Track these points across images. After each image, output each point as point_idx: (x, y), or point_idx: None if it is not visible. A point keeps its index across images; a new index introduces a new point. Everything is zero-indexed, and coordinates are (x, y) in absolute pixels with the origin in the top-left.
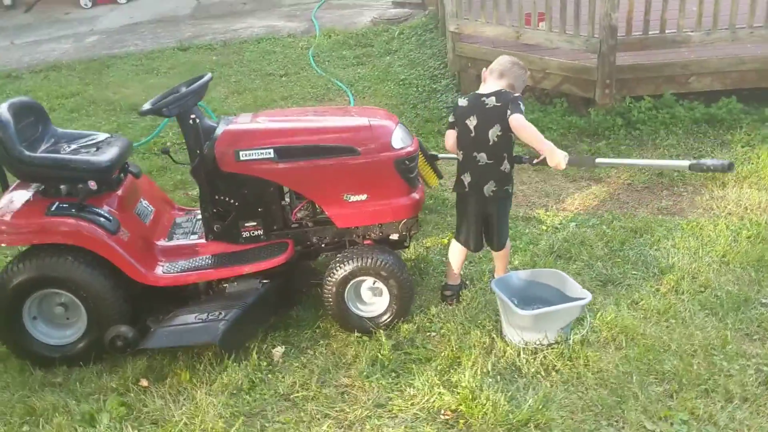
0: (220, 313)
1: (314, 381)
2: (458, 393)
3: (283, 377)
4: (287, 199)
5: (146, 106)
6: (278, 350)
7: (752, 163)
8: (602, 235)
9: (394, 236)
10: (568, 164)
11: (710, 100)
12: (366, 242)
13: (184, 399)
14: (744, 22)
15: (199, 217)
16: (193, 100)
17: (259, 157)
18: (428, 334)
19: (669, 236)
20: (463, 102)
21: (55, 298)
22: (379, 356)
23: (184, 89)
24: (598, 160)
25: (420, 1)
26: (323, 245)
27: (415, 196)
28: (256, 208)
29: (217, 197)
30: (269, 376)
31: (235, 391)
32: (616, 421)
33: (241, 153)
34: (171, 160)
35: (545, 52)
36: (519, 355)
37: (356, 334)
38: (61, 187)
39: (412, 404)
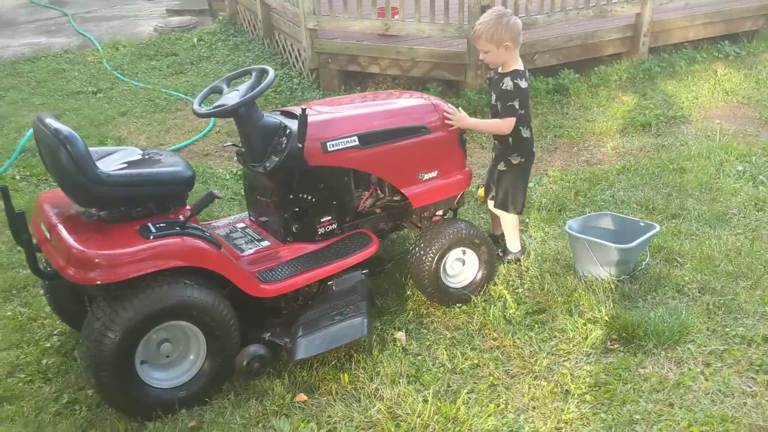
0: (351, 308)
1: (467, 349)
2: (608, 323)
3: (432, 356)
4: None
5: (202, 108)
6: (401, 335)
7: (611, 117)
8: (571, 187)
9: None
10: None
11: (548, 74)
12: (434, 219)
13: (364, 397)
14: (571, 4)
15: (242, 225)
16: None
17: (346, 146)
18: (516, 290)
19: (619, 179)
20: (525, 82)
21: (156, 335)
22: (506, 314)
23: (226, 86)
24: None
25: (200, 8)
26: (388, 230)
27: (468, 168)
28: (331, 201)
29: (294, 196)
30: (419, 358)
31: (404, 377)
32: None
33: (328, 144)
34: (241, 162)
35: (413, 42)
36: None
37: (455, 305)
38: (138, 208)
39: (574, 345)
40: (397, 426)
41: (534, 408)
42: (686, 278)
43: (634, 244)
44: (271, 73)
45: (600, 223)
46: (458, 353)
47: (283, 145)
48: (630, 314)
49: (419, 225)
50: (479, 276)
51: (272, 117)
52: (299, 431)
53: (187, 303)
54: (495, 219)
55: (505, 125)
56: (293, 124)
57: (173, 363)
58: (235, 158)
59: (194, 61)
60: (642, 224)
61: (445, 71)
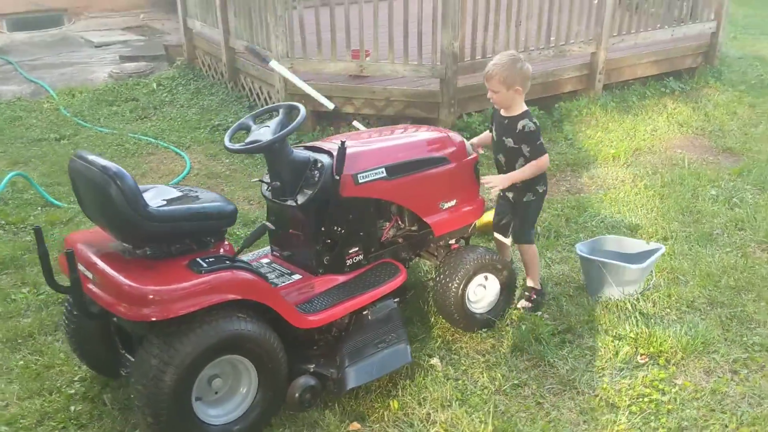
0: (392, 336)
1: (505, 370)
2: (633, 339)
3: (471, 379)
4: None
5: (234, 145)
6: (436, 361)
7: (581, 150)
8: (561, 214)
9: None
10: None
11: None
12: (453, 246)
13: (417, 422)
14: (534, 45)
15: (266, 260)
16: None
17: (375, 177)
18: (536, 312)
19: (603, 205)
20: (535, 120)
21: (208, 371)
22: (536, 335)
23: (253, 123)
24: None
25: (155, 54)
26: (408, 259)
27: (481, 197)
28: (359, 233)
29: (326, 228)
30: (459, 382)
31: (453, 401)
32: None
33: (359, 176)
34: (268, 198)
35: (386, 82)
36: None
37: (480, 330)
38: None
39: (606, 360)
40: None
41: (586, 422)
42: (694, 293)
43: (647, 263)
44: (302, 109)
45: (607, 245)
46: (498, 375)
47: (316, 179)
48: (653, 329)
49: (435, 254)
50: (501, 300)
51: (301, 152)
52: None
53: (241, 336)
54: (500, 246)
55: (543, 163)
56: (322, 158)
57: (222, 398)
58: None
59: (157, 105)
60: (648, 245)
61: (418, 109)
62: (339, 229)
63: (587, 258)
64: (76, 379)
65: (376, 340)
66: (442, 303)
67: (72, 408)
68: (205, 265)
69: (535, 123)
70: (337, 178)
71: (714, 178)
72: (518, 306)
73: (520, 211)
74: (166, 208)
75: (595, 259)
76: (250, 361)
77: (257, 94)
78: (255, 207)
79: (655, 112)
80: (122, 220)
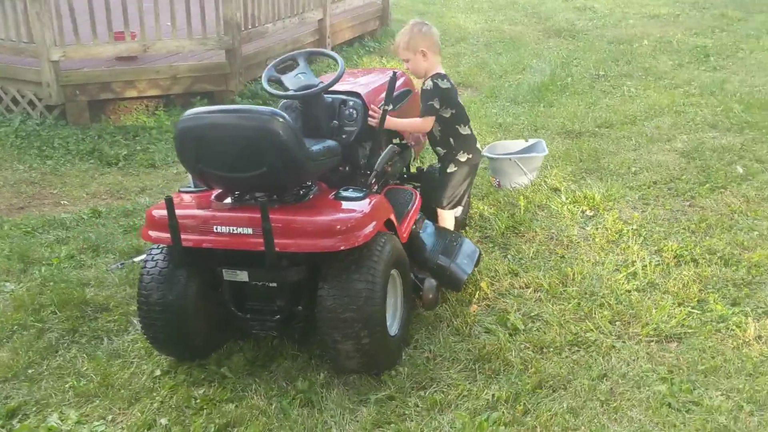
0: (452, 235)
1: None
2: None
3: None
4: None
5: (279, 91)
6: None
7: None
8: None
9: None
10: None
11: None
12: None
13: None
14: (285, 13)
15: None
16: None
17: (390, 108)
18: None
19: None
20: (446, 83)
21: None
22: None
23: (276, 73)
24: None
25: None
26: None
27: None
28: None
29: (368, 159)
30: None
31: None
32: None
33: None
34: None
35: (171, 59)
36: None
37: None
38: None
39: (572, 218)
40: None
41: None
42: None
43: (546, 150)
44: (341, 61)
45: (498, 150)
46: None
47: (355, 116)
48: (582, 191)
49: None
50: None
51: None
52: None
53: (398, 250)
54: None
55: (424, 123)
56: (349, 98)
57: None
58: None
59: None
60: (527, 141)
61: (206, 83)
62: (374, 158)
63: (501, 158)
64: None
65: (447, 241)
66: None
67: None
68: (360, 194)
69: (435, 83)
70: (388, 108)
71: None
72: None
73: (442, 180)
74: (315, 147)
75: (509, 156)
76: (399, 272)
77: (13, 98)
78: None
79: (377, 64)
80: (290, 161)
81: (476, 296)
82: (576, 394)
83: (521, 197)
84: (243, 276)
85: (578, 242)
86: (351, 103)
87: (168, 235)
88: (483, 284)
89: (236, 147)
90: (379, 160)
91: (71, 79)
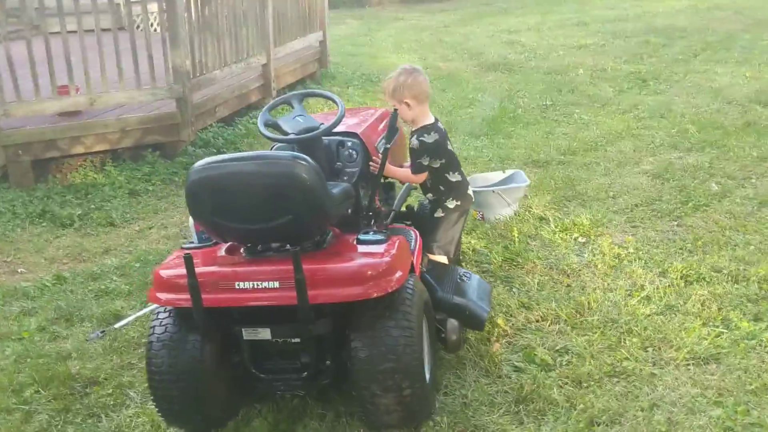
0: (459, 272)
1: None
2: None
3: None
4: None
5: (279, 135)
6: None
7: None
8: None
9: None
10: None
11: (228, 124)
12: None
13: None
14: (231, 60)
15: None
16: None
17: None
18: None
19: None
20: (433, 135)
21: None
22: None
23: (270, 116)
24: None
25: None
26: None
27: None
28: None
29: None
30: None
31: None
32: None
33: (377, 146)
34: None
35: (119, 111)
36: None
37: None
38: None
39: (567, 245)
40: None
41: None
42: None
43: (527, 180)
44: (340, 103)
45: (479, 182)
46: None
47: (355, 156)
48: (572, 218)
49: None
50: None
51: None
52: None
53: (425, 293)
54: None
55: (417, 179)
56: (346, 139)
57: None
58: None
59: None
60: (504, 173)
61: (157, 135)
62: (375, 197)
63: (484, 190)
64: None
65: (456, 278)
66: None
67: None
68: (382, 237)
69: (420, 141)
70: (389, 147)
71: None
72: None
73: (431, 224)
74: (335, 190)
75: (492, 189)
76: (425, 316)
77: None
78: None
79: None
80: (317, 207)
81: (495, 334)
82: (634, 428)
83: (514, 228)
84: (265, 334)
85: (580, 270)
86: (349, 143)
87: (180, 296)
88: (500, 321)
89: (259, 196)
90: (397, 199)
91: (13, 138)
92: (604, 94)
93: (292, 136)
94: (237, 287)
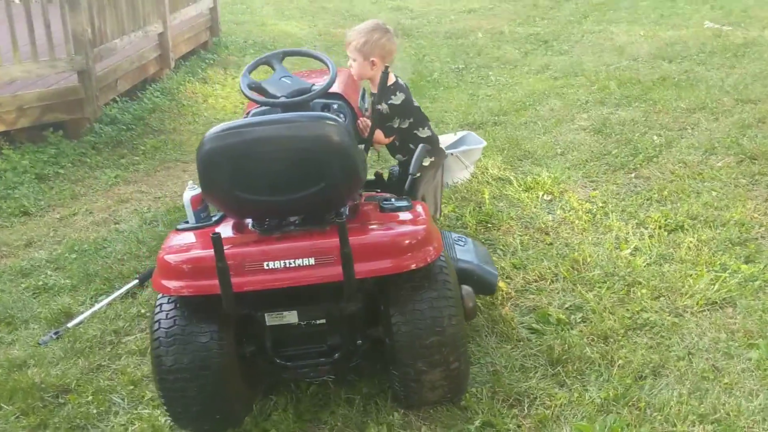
0: (457, 237)
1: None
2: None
3: None
4: None
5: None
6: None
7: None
8: None
9: None
10: None
11: (133, 98)
12: None
13: None
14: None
15: None
16: None
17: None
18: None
19: None
20: (400, 95)
21: None
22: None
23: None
24: None
25: None
26: None
27: None
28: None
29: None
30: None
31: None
32: None
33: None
34: None
35: (14, 87)
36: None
37: None
38: None
39: (535, 204)
40: None
41: None
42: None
43: (483, 142)
44: (331, 64)
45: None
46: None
47: (343, 119)
48: (535, 173)
49: None
50: None
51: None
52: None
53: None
54: None
55: (389, 141)
56: (332, 101)
57: None
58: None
59: None
60: (456, 134)
61: (59, 112)
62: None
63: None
64: None
65: (450, 242)
66: None
67: None
68: (407, 203)
69: (389, 104)
70: (379, 107)
71: None
72: None
73: (409, 188)
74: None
75: (450, 152)
76: None
77: None
78: None
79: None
80: (351, 170)
81: (499, 297)
82: (680, 378)
83: (485, 190)
84: (291, 317)
85: (557, 227)
86: (335, 106)
87: (195, 283)
88: (501, 284)
89: (289, 163)
90: (413, 162)
91: None
92: (511, 56)
93: (283, 99)
94: (266, 267)
